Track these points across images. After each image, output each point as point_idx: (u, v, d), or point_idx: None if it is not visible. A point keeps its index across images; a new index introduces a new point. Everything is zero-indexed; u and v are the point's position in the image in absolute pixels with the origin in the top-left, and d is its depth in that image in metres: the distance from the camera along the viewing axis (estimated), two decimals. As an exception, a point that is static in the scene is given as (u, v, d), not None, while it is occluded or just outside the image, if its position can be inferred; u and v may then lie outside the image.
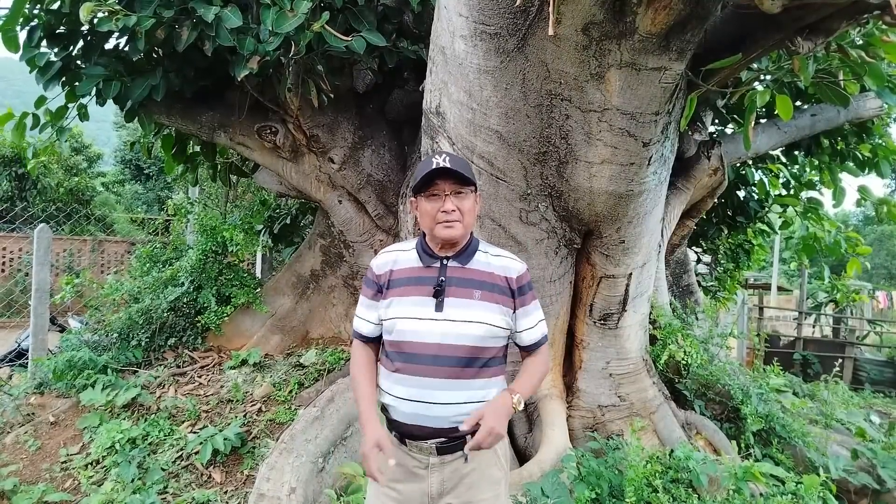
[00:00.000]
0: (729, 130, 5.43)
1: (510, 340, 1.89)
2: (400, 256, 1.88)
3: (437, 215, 1.76)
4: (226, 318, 4.53)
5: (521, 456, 3.17)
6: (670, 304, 4.28)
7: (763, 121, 4.90)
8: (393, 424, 1.83)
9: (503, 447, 1.89)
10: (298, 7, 2.82)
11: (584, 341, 3.43)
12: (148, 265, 4.98)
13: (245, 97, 3.91)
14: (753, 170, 5.73)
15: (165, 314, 4.43)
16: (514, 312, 1.82)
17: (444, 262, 1.81)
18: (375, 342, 1.93)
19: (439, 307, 1.75)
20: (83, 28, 3.40)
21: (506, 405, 1.73)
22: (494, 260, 1.84)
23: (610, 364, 3.40)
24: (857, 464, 3.49)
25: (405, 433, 1.80)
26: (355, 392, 1.88)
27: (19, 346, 5.49)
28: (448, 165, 1.75)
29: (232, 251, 4.66)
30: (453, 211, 1.75)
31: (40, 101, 3.63)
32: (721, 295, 6.34)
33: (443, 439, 1.76)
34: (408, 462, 1.80)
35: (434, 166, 1.75)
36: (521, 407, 1.76)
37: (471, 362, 1.75)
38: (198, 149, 4.96)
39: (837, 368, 6.23)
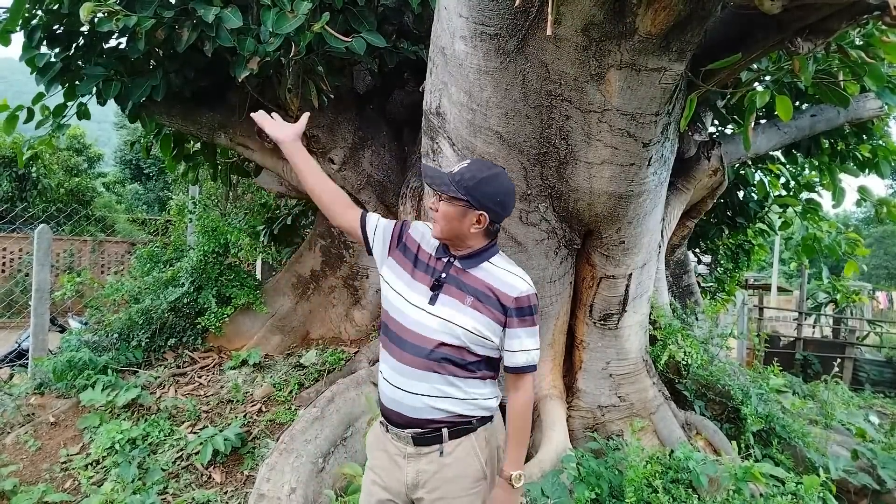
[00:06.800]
0: (729, 131, 5.42)
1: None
2: (428, 237, 1.92)
3: None
4: (226, 319, 4.53)
5: (522, 456, 3.16)
6: (670, 305, 4.28)
7: (763, 121, 4.89)
8: (381, 407, 1.90)
9: (487, 449, 1.85)
10: (299, 8, 2.82)
11: (584, 342, 3.43)
12: (148, 266, 4.98)
13: (245, 98, 3.91)
14: (753, 170, 5.73)
15: (166, 314, 4.43)
16: (504, 330, 1.80)
17: (452, 259, 1.85)
18: (358, 219, 1.98)
19: (433, 301, 1.80)
20: (83, 28, 3.40)
21: (504, 496, 1.77)
22: (501, 274, 1.82)
23: (610, 364, 3.40)
24: (857, 464, 3.49)
25: (387, 418, 1.87)
26: None
27: (19, 346, 5.50)
28: (426, 169, 1.91)
29: (234, 253, 4.66)
30: (432, 209, 1.85)
31: (38, 97, 3.62)
32: (720, 296, 6.34)
33: (418, 430, 1.79)
34: (389, 448, 1.86)
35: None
36: (522, 483, 1.78)
37: (448, 361, 1.76)
38: (197, 147, 4.96)
39: (837, 369, 6.23)
